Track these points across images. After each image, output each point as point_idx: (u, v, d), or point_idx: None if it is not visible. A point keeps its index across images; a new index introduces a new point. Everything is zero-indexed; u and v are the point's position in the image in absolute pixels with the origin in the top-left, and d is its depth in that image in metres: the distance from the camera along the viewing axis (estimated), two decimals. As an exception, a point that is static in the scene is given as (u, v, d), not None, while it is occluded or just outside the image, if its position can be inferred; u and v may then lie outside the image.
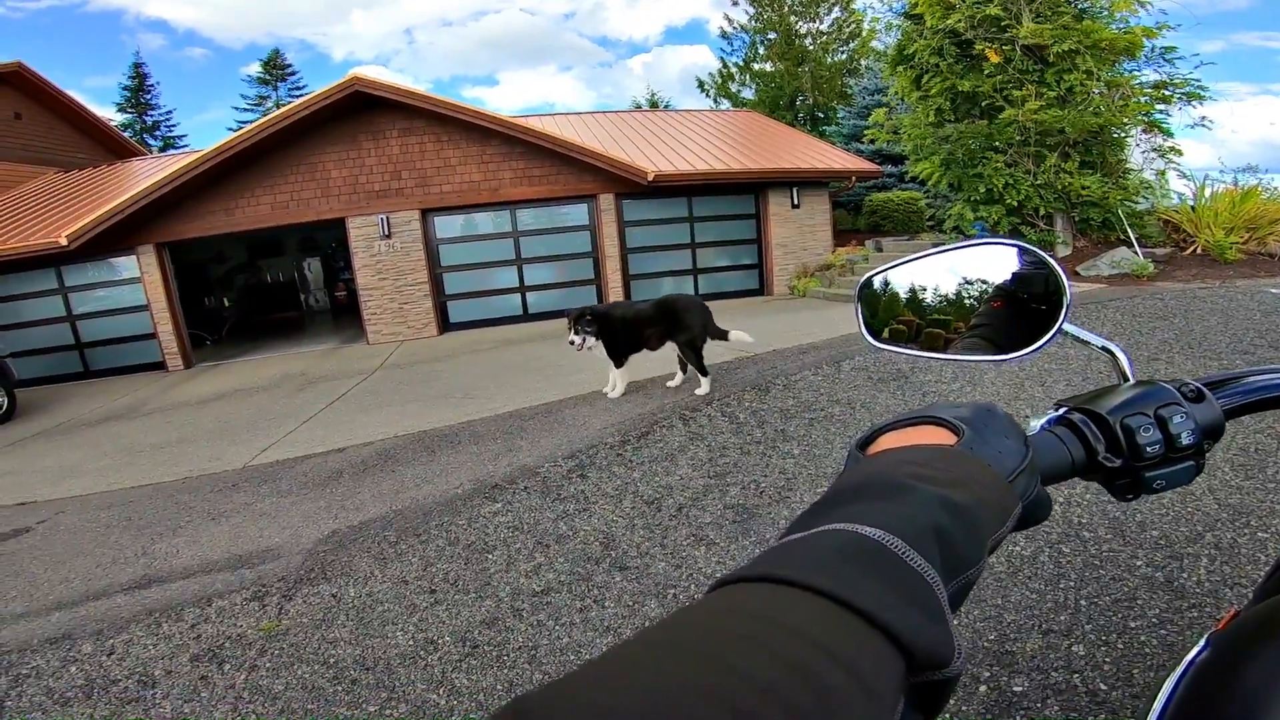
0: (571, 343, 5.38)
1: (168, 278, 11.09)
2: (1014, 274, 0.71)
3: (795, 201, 12.86)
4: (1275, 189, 9.59)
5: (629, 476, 4.05)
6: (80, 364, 11.31)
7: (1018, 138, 9.84)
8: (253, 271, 17.77)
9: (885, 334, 0.81)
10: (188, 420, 7.45)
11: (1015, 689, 2.00)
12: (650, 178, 11.34)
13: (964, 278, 0.74)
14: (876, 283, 0.82)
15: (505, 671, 2.44)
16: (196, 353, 12.12)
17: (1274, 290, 6.91)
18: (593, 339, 5.41)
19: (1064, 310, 0.64)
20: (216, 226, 10.98)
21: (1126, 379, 0.69)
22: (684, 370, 5.87)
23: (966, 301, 0.74)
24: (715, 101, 25.94)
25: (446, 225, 11.88)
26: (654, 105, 28.07)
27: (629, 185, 11.75)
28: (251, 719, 2.34)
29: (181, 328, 11.37)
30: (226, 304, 15.79)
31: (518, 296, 12.32)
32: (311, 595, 3.12)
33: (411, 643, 2.68)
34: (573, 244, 12.36)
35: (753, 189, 12.81)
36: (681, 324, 5.58)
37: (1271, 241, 9.08)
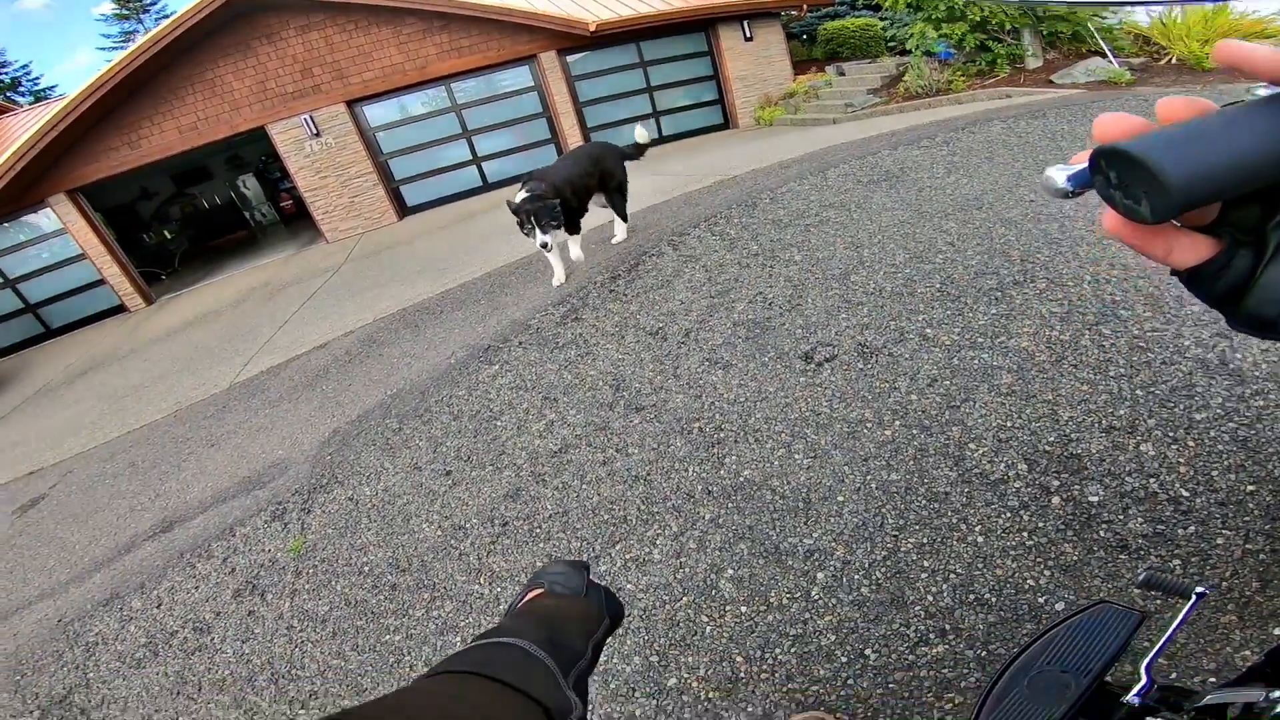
0: (544, 245, 4.35)
1: (94, 222, 10.39)
2: None
3: (748, 34, 12.32)
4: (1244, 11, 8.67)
5: (626, 311, 3.79)
6: (39, 325, 10.79)
7: (975, -48, 8.92)
8: (186, 200, 16.72)
9: None
10: (163, 354, 7.14)
11: (1090, 498, 1.82)
12: (592, 28, 10.67)
13: None
14: None
15: (541, 545, 2.32)
16: (155, 287, 11.63)
17: (1262, 90, 6.28)
18: (561, 231, 4.47)
19: None
20: (127, 161, 10.14)
21: None
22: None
23: None
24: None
25: (379, 112, 11.20)
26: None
27: (571, 39, 11.12)
28: (308, 647, 2.26)
29: (127, 266, 10.78)
30: (169, 237, 14.87)
31: (474, 169, 11.90)
32: (329, 503, 2.98)
33: (439, 532, 2.55)
34: (521, 107, 11.80)
35: (702, 26, 12.14)
36: (609, 171, 5.00)
37: (1246, 51, 8.41)
